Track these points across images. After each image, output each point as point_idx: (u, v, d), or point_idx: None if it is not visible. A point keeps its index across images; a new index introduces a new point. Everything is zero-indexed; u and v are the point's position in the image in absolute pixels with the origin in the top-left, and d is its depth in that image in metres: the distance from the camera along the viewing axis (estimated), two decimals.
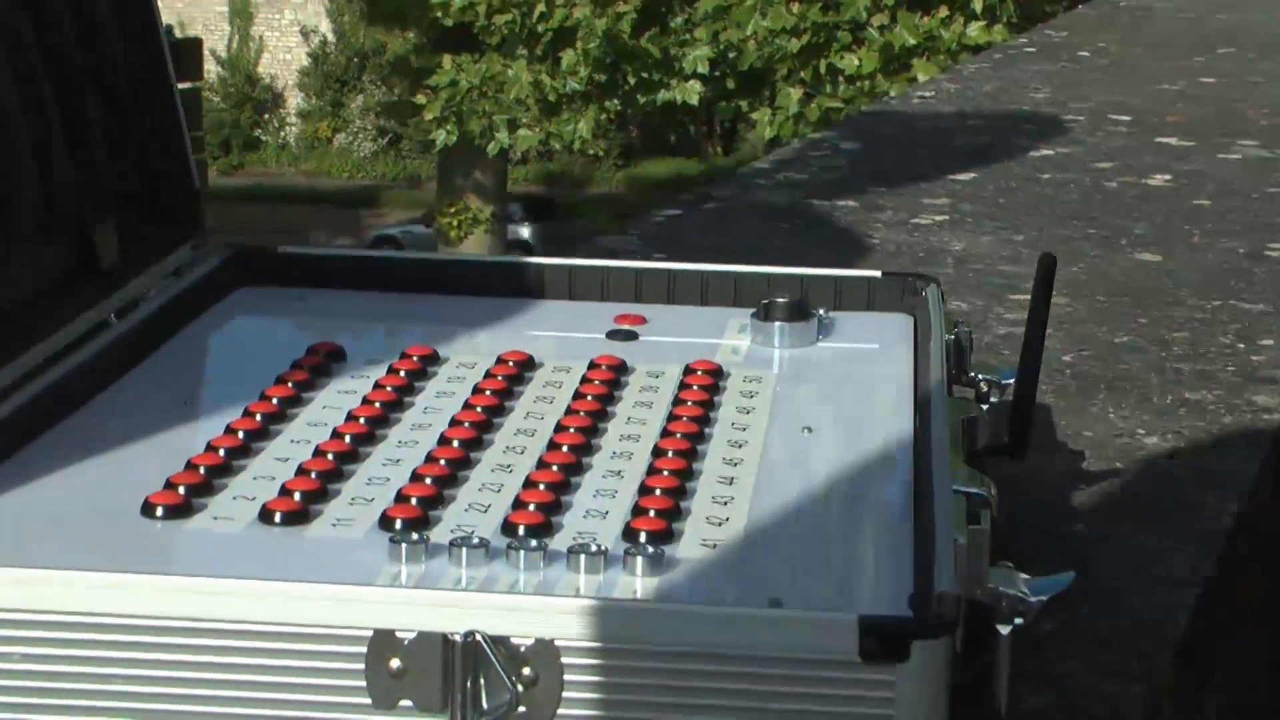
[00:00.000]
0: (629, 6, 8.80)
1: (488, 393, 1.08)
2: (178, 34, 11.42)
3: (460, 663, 0.80)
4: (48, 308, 1.12)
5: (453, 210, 11.55)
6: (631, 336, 1.21)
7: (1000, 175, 2.24)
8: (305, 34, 14.17)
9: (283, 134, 14.34)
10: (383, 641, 0.80)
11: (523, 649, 0.80)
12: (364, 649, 0.81)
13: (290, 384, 1.09)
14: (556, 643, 0.80)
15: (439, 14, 9.25)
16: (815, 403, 1.11)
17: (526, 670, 0.80)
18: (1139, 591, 1.15)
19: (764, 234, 1.92)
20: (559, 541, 0.89)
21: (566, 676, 0.80)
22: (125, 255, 1.21)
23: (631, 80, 8.94)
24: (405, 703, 0.81)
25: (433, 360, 1.14)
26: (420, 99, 9.31)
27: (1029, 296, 1.07)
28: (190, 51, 7.48)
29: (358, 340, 1.17)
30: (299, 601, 0.81)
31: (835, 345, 1.20)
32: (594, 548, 0.86)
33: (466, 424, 1.03)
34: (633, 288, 1.29)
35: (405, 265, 1.31)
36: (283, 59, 14.32)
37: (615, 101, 9.14)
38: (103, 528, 0.90)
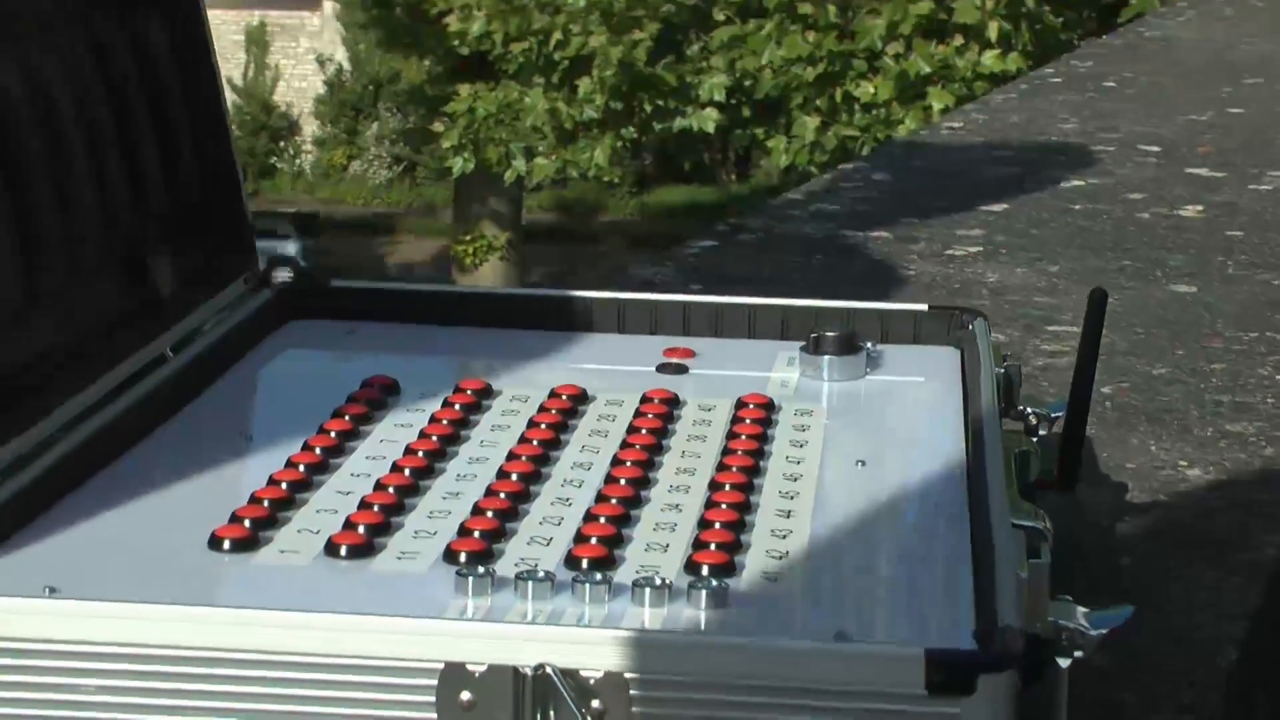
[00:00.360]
0: (645, 34, 8.82)
1: (543, 426, 1.09)
2: None
3: (530, 695, 0.81)
4: (108, 342, 1.13)
5: (469, 238, 11.57)
6: (681, 370, 1.22)
7: (1032, 206, 2.25)
8: (321, 62, 14.21)
9: (298, 161, 14.38)
10: (454, 674, 0.81)
11: (592, 681, 0.81)
12: (435, 682, 0.81)
13: (347, 417, 1.10)
14: (625, 675, 0.81)
15: (455, 42, 9.28)
16: (867, 436, 1.12)
17: (595, 703, 0.81)
18: (1188, 623, 1.16)
19: (800, 265, 1.93)
20: (621, 575, 0.89)
21: (634, 709, 0.81)
22: (181, 290, 1.22)
23: (648, 108, 8.95)
24: None
25: (486, 394, 1.15)
26: (437, 127, 9.33)
27: (1065, 328, 1.08)
28: None
29: (410, 373, 1.18)
30: (371, 635, 0.81)
31: (884, 378, 1.21)
32: (659, 581, 0.87)
33: (523, 457, 1.04)
34: (680, 321, 1.30)
35: (454, 298, 1.32)
36: (298, 86, 14.37)
37: (631, 129, 9.16)
38: (171, 561, 0.91)
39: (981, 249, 2.04)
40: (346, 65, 14.22)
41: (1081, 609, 0.91)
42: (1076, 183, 2.39)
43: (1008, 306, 1.81)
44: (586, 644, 0.81)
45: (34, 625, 0.82)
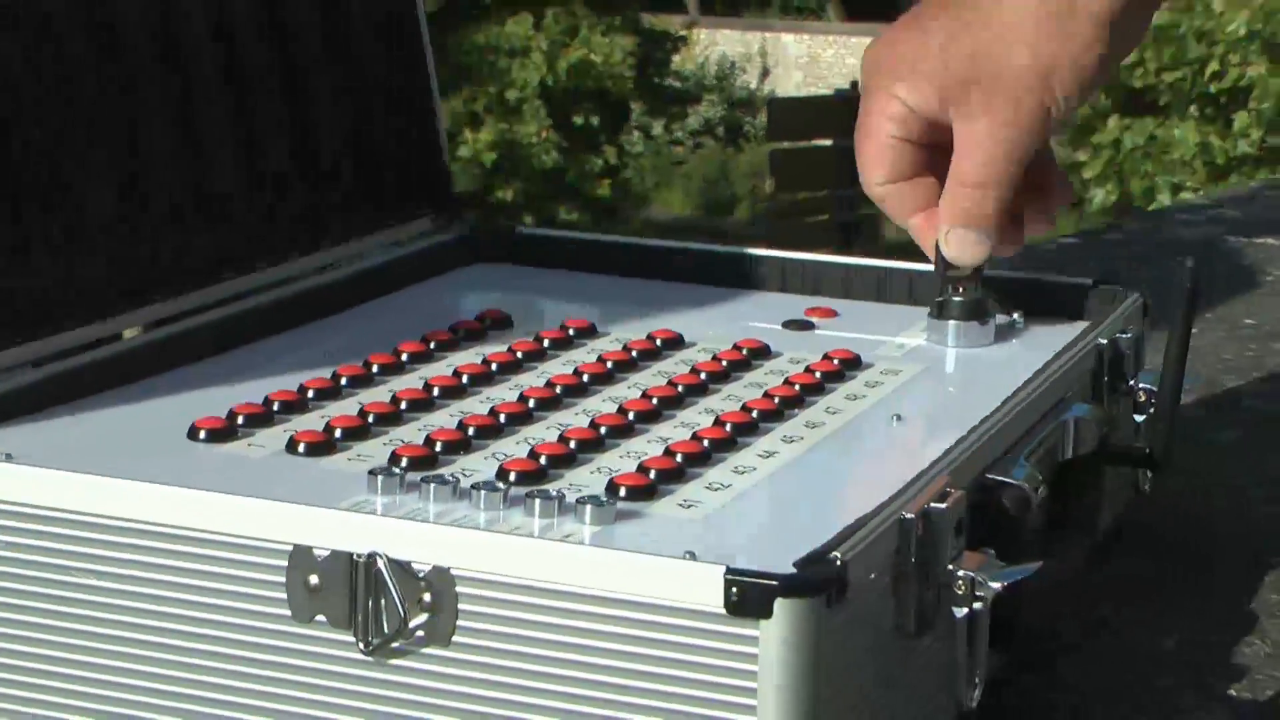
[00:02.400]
0: None
1: (609, 364, 1.10)
2: None
3: (363, 583, 0.83)
4: (266, 245, 1.21)
5: None
6: (808, 326, 1.21)
7: None
8: None
9: None
10: (301, 557, 0.84)
11: (421, 575, 0.83)
12: (285, 563, 0.85)
13: (431, 343, 1.14)
14: (452, 571, 0.83)
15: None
16: (933, 397, 1.09)
17: (426, 596, 0.83)
18: None
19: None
20: (544, 489, 0.90)
21: (462, 605, 0.83)
22: (360, 213, 1.28)
23: None
24: (320, 618, 0.85)
25: (589, 333, 1.17)
26: (1080, 157, 9.21)
27: None
28: None
29: (530, 313, 1.21)
30: (228, 513, 0.86)
31: (1011, 348, 1.17)
32: (553, 494, 0.88)
33: (558, 387, 1.06)
34: (840, 283, 1.29)
35: (632, 250, 1.34)
36: None
37: None
38: (144, 445, 0.97)
39: None
40: None
41: (994, 562, 0.88)
42: None
43: None
44: (417, 537, 0.83)
45: None
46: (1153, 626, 1.09)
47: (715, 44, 15.62)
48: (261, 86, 1.21)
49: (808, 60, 15.78)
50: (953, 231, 1.09)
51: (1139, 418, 1.13)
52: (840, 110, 9.35)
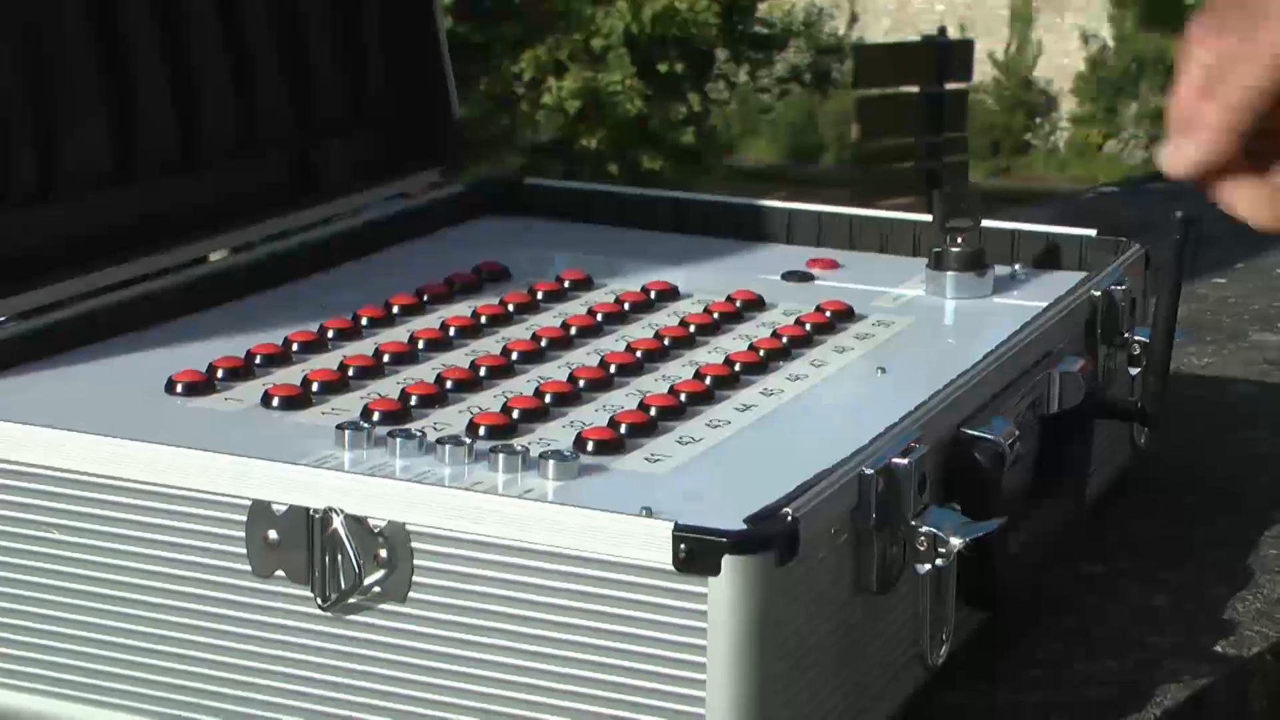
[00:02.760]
0: None
1: (598, 316, 1.10)
2: (955, 35, 11.55)
3: (320, 538, 0.84)
4: (256, 205, 1.21)
5: None
6: (807, 278, 1.21)
7: None
8: (1085, 38, 14.07)
9: (1052, 139, 14.28)
10: (260, 512, 0.85)
11: (377, 530, 0.83)
12: (245, 518, 0.85)
13: (425, 297, 1.14)
14: (408, 526, 0.82)
15: None
16: (923, 349, 1.08)
17: (382, 552, 0.83)
18: None
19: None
20: (513, 444, 0.90)
21: (417, 561, 0.83)
22: (353, 171, 1.28)
23: None
24: (280, 573, 0.85)
25: (584, 285, 1.17)
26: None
27: None
28: (961, 53, 7.60)
29: (531, 264, 1.21)
30: (187, 467, 0.86)
31: (1008, 299, 1.16)
32: (517, 448, 0.88)
33: (543, 340, 1.05)
34: (846, 233, 1.28)
35: (641, 201, 1.33)
36: (1060, 63, 14.26)
37: None
38: (120, 399, 0.97)
39: None
40: (1110, 42, 14.03)
41: (959, 518, 0.87)
42: None
43: None
44: (373, 493, 0.83)
45: None
46: (1145, 583, 1.08)
47: None
48: (259, 34, 1.21)
49: (896, 6, 15.66)
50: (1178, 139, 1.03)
51: (1133, 371, 1.12)
52: (928, 57, 9.28)
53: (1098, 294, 1.10)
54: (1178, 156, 1.04)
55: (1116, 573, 1.09)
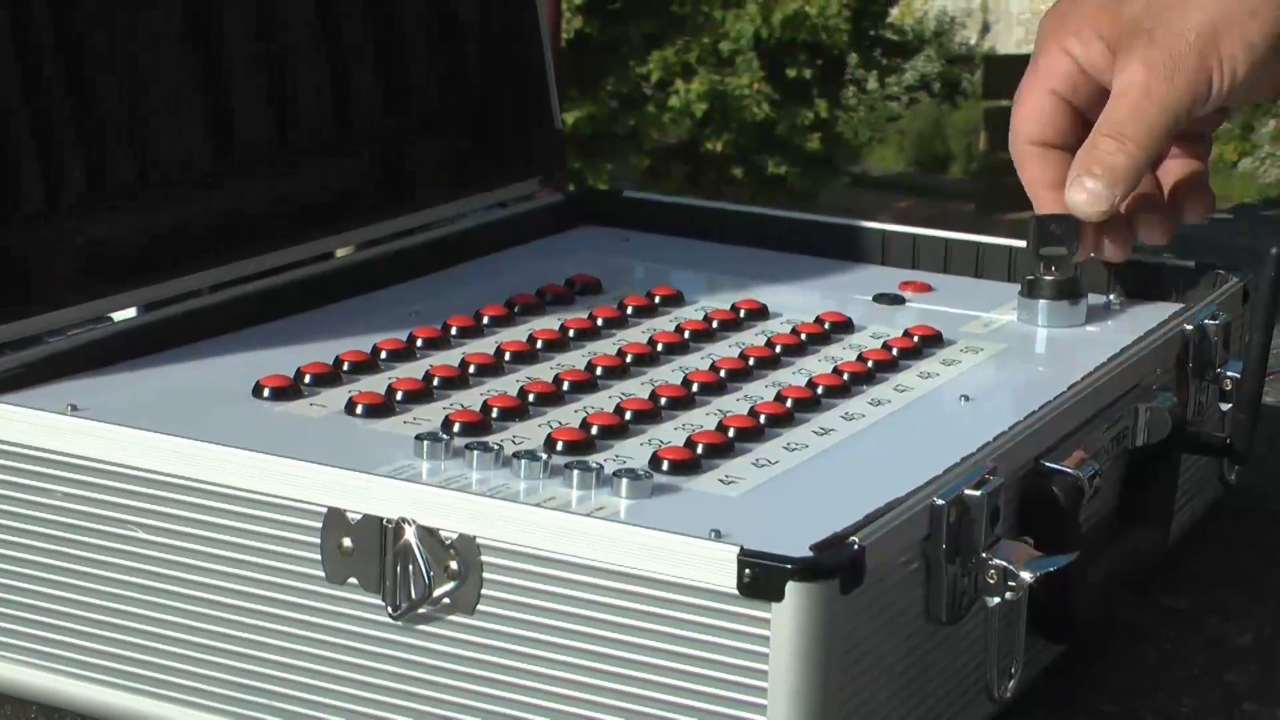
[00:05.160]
0: None
1: (685, 333, 1.10)
2: None
3: (392, 548, 0.84)
4: (351, 209, 1.22)
5: None
6: (898, 301, 1.20)
7: None
8: None
9: None
10: (335, 520, 0.86)
11: (448, 542, 0.84)
12: (320, 524, 0.86)
13: (515, 308, 1.14)
14: (478, 540, 0.83)
15: None
16: (1009, 378, 1.08)
17: (453, 564, 0.84)
18: None
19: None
20: (592, 461, 0.90)
21: (487, 575, 0.83)
22: (448, 177, 1.29)
23: None
24: (353, 580, 0.86)
25: (675, 301, 1.17)
26: None
27: None
28: None
29: (622, 278, 1.21)
30: (265, 473, 0.87)
31: (1103, 329, 1.15)
32: (593, 465, 0.88)
33: (629, 356, 1.06)
34: (941, 257, 1.27)
35: (738, 217, 1.33)
36: None
37: None
38: (207, 400, 0.98)
39: None
40: None
41: (1030, 552, 0.87)
42: None
43: None
44: (445, 505, 0.84)
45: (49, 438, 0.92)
46: (1228, 619, 1.07)
47: None
48: (358, 40, 1.22)
49: (1030, 16, 15.55)
50: (1081, 178, 1.07)
51: (1225, 406, 1.11)
52: None
53: (1190, 328, 1.10)
54: (1090, 198, 1.06)
55: (1199, 608, 1.08)
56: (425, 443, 0.90)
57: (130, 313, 1.08)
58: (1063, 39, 1.08)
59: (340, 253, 1.22)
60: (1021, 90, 1.10)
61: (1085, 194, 1.08)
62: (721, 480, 0.90)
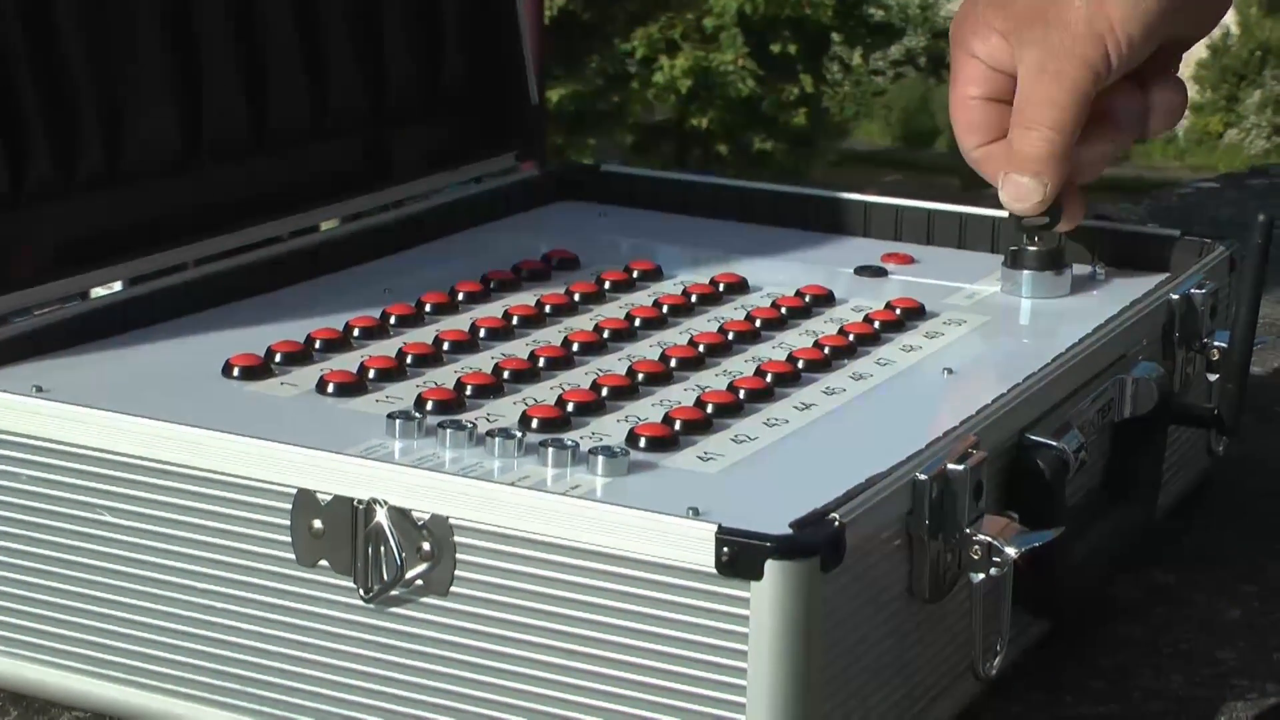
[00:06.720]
0: None
1: (664, 308, 1.09)
2: None
3: (363, 529, 0.83)
4: (327, 191, 1.20)
5: None
6: (880, 273, 1.19)
7: None
8: None
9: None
10: (305, 501, 0.84)
11: (420, 523, 0.82)
12: (290, 506, 0.84)
13: (491, 284, 1.13)
14: (450, 520, 0.81)
15: None
16: (993, 350, 1.06)
17: (425, 545, 0.82)
18: None
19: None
20: (567, 438, 0.88)
21: (460, 555, 0.81)
22: (425, 155, 1.27)
23: None
24: (323, 563, 0.84)
25: (653, 276, 1.16)
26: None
27: None
28: None
29: (600, 253, 1.20)
30: (233, 454, 0.85)
31: (1087, 299, 1.14)
32: (567, 443, 0.86)
33: (605, 331, 1.04)
34: (924, 228, 1.25)
35: (717, 191, 1.32)
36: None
37: None
38: (175, 381, 0.96)
39: None
40: (1234, 29, 13.87)
41: (1015, 527, 0.85)
42: None
43: None
44: (417, 485, 0.82)
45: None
46: (1218, 595, 1.05)
47: None
48: (332, 15, 1.20)
49: None
50: (1007, 177, 1.07)
51: (1212, 377, 1.09)
52: None
53: (1176, 297, 1.08)
54: (1020, 195, 1.06)
55: (1188, 583, 1.06)
56: (397, 421, 0.88)
57: (99, 292, 1.06)
58: (966, 42, 1.08)
59: (318, 229, 1.20)
60: (950, 107, 1.10)
61: (1014, 190, 1.07)
62: (700, 457, 0.88)
